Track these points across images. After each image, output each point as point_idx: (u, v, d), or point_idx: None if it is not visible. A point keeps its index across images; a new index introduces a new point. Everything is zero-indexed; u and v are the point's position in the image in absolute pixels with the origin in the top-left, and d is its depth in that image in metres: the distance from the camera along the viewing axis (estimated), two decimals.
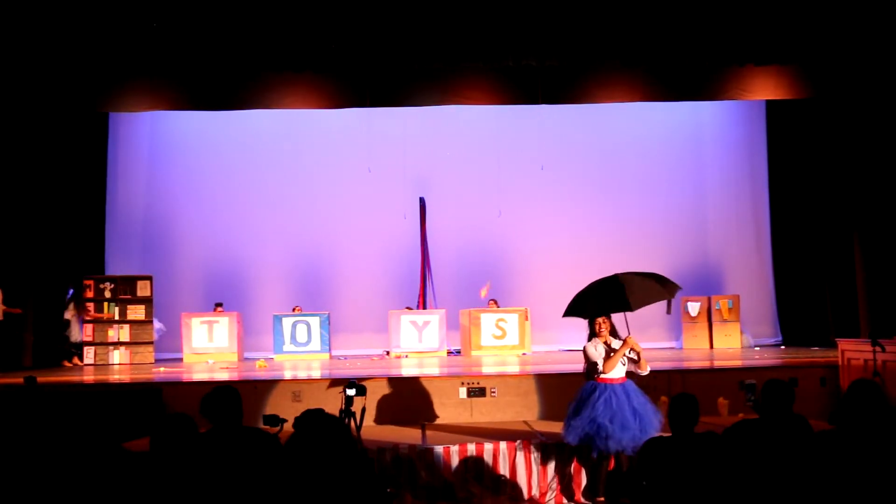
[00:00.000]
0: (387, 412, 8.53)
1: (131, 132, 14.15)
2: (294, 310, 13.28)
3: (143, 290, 12.91)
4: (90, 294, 12.81)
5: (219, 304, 13.17)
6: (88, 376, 10.86)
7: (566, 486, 7.09)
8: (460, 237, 14.28)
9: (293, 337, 12.76)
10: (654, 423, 6.39)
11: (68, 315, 12.72)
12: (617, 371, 6.54)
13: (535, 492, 6.94)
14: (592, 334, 6.69)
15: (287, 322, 12.80)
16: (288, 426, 4.54)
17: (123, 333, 12.80)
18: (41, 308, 12.46)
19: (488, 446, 7.13)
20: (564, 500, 7.05)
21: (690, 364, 10.24)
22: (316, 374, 10.03)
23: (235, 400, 4.93)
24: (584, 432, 6.42)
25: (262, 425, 5.43)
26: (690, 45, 10.82)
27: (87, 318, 12.73)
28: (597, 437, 6.35)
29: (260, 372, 10.53)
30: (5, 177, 11.93)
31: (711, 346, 13.25)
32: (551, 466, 7.08)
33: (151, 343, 12.85)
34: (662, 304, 14.64)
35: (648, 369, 6.71)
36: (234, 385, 6.69)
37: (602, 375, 6.53)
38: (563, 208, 14.35)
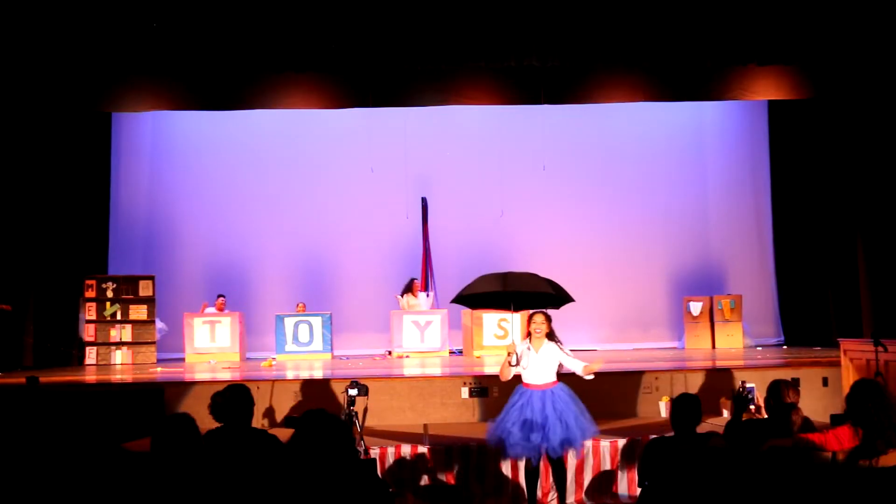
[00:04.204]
0: (389, 412, 8.54)
1: (134, 132, 14.16)
2: (298, 306, 13.27)
3: (145, 289, 12.91)
4: (92, 294, 12.82)
5: (221, 296, 13.17)
6: (90, 376, 10.87)
7: (568, 485, 7.08)
8: (462, 237, 14.28)
9: (295, 337, 12.77)
10: (567, 437, 6.18)
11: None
12: (539, 377, 6.33)
13: (538, 492, 6.92)
14: (530, 335, 6.47)
15: (289, 322, 12.81)
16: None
17: (126, 333, 12.80)
18: (44, 308, 12.44)
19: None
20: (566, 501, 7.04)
21: (692, 364, 10.23)
22: (318, 373, 10.03)
23: (246, 400, 4.94)
24: (495, 437, 6.33)
25: (285, 426, 5.43)
26: (692, 45, 10.81)
27: (88, 319, 12.77)
28: (505, 443, 6.26)
29: (264, 371, 10.54)
30: (8, 177, 11.94)
31: (713, 346, 13.24)
32: None
33: (154, 343, 12.86)
34: (665, 304, 14.70)
35: (577, 370, 6.40)
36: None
37: (524, 379, 6.37)
38: (566, 208, 14.35)
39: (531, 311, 6.54)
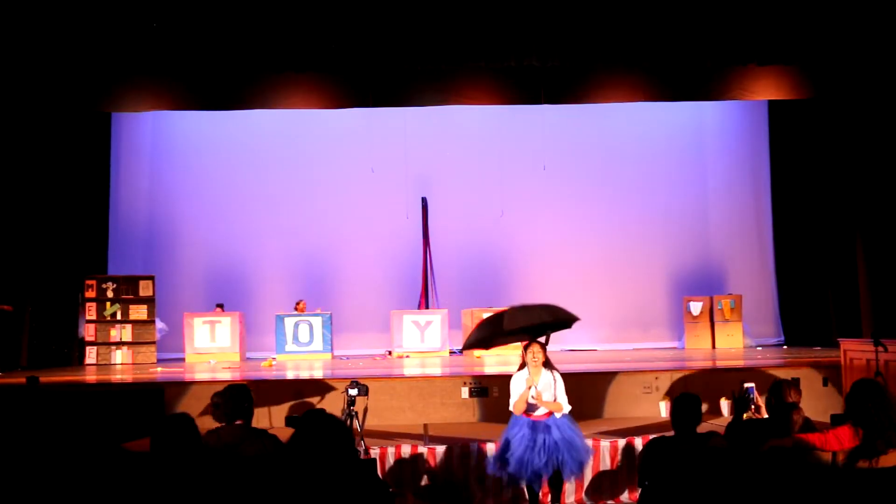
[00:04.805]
0: (389, 412, 8.54)
1: (134, 132, 14.16)
2: (298, 304, 13.23)
3: (145, 289, 12.91)
4: (92, 294, 12.81)
5: (220, 305, 13.17)
6: (90, 376, 10.87)
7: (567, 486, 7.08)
8: (462, 237, 14.28)
9: (295, 337, 12.77)
10: (578, 461, 6.27)
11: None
12: (538, 407, 6.34)
13: (539, 493, 6.92)
14: (524, 364, 6.47)
15: (289, 322, 12.81)
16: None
17: (126, 333, 12.80)
18: (44, 308, 12.43)
19: (490, 446, 7.12)
20: (566, 500, 7.04)
21: (692, 364, 10.23)
22: (318, 373, 10.03)
23: (246, 399, 4.94)
24: (497, 463, 6.39)
25: (286, 426, 5.42)
26: (692, 45, 10.81)
27: (88, 319, 12.77)
28: (505, 470, 6.31)
29: (263, 371, 10.54)
30: (7, 176, 11.94)
31: (713, 346, 13.24)
32: None
33: (154, 343, 12.86)
34: (665, 304, 14.69)
35: (564, 411, 6.39)
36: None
37: (526, 410, 6.38)
38: (566, 208, 14.34)
39: (525, 342, 6.54)
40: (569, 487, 7.04)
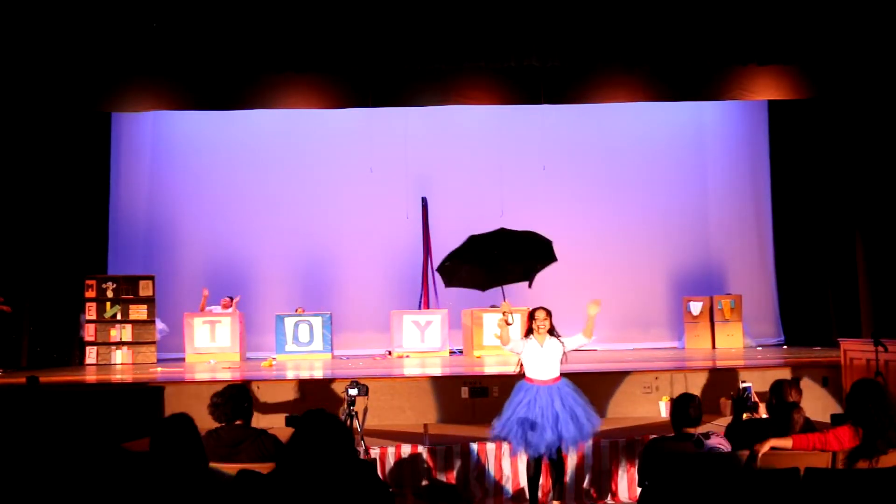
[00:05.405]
0: (389, 412, 8.54)
1: (134, 132, 14.15)
2: (296, 311, 13.24)
3: (145, 289, 12.90)
4: (92, 294, 12.81)
5: (231, 297, 13.15)
6: (90, 376, 10.87)
7: (568, 485, 7.08)
8: (462, 237, 14.20)
9: (295, 337, 12.77)
10: (579, 431, 6.25)
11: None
12: (545, 372, 6.36)
13: (539, 492, 6.93)
14: (530, 331, 6.48)
15: (289, 322, 12.80)
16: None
17: (126, 333, 12.80)
18: (43, 308, 12.43)
19: (490, 446, 7.13)
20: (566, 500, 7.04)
21: (692, 364, 10.23)
22: (318, 373, 10.03)
23: (246, 399, 4.94)
24: (504, 433, 6.36)
25: (286, 426, 5.41)
26: (692, 45, 10.82)
27: (88, 318, 12.77)
28: (513, 440, 6.30)
29: (264, 371, 10.54)
30: (8, 177, 11.94)
31: (713, 346, 13.24)
32: None
33: (154, 343, 12.86)
34: (665, 304, 14.66)
35: (592, 338, 6.50)
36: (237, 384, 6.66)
37: (528, 375, 6.40)
38: (566, 208, 14.32)
39: (532, 308, 6.57)
40: (568, 487, 7.05)
